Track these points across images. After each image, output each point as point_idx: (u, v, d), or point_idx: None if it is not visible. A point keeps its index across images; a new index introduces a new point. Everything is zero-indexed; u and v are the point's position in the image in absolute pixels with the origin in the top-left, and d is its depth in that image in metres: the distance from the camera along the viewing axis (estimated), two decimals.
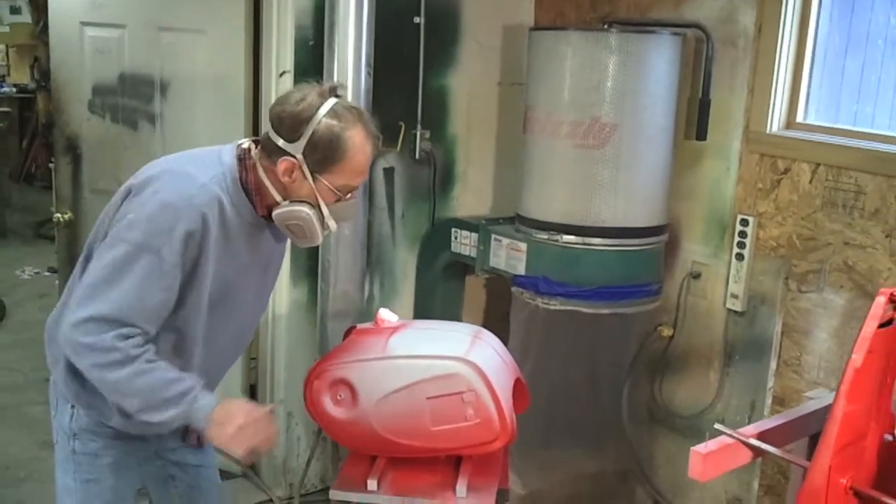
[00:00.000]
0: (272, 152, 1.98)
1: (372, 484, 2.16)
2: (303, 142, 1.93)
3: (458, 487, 2.12)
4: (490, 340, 2.26)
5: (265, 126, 3.37)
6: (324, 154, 1.94)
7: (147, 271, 1.86)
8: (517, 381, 2.27)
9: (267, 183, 2.00)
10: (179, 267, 1.89)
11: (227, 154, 2.01)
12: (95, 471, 2.10)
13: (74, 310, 1.89)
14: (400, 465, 2.24)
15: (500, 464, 2.25)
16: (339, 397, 2.18)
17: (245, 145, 2.04)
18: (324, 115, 1.93)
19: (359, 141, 1.96)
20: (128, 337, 1.86)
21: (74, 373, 2.02)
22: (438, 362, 2.12)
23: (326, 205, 2.00)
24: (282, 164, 1.96)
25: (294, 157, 1.95)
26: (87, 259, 2.01)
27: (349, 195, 2.04)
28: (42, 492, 3.51)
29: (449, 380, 2.10)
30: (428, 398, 2.11)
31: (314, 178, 1.96)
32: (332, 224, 2.03)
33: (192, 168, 1.94)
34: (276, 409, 3.57)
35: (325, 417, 2.21)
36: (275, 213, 2.00)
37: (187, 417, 1.94)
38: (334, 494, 2.19)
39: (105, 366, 1.87)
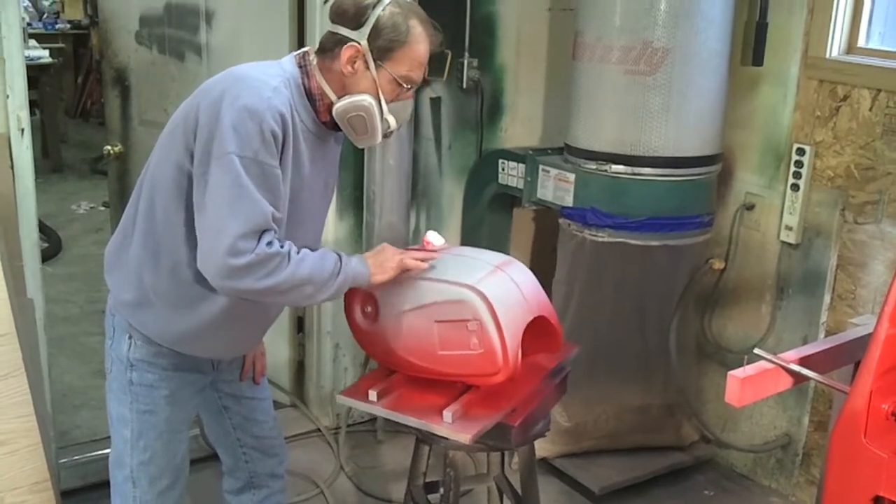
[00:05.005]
0: (334, 45, 1.99)
1: (372, 395, 2.19)
2: (367, 28, 1.96)
3: (444, 412, 2.10)
4: (515, 273, 2.21)
5: None
6: (388, 39, 1.97)
7: (252, 176, 1.86)
8: (543, 319, 2.23)
9: (325, 86, 2.01)
10: (278, 166, 1.91)
11: (287, 63, 2.03)
12: (152, 402, 2.11)
13: (212, 248, 1.87)
14: (414, 384, 2.25)
15: (510, 399, 2.19)
16: (366, 310, 2.23)
17: (303, 51, 2.06)
18: (387, 3, 1.97)
19: (420, 31, 2.00)
20: (269, 241, 1.89)
21: (140, 304, 2.05)
22: (449, 287, 2.12)
23: (386, 101, 2.02)
24: (346, 53, 1.97)
25: (358, 43, 1.96)
26: (143, 186, 2.02)
27: (409, 88, 2.05)
28: (96, 418, 3.59)
29: (456, 306, 2.09)
30: (436, 321, 2.12)
31: (377, 67, 1.98)
32: (391, 120, 2.05)
33: (261, 74, 1.95)
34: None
35: (354, 327, 2.27)
36: (336, 106, 2.00)
37: (353, 279, 2.05)
38: (339, 399, 2.25)
39: (268, 275, 1.89)
